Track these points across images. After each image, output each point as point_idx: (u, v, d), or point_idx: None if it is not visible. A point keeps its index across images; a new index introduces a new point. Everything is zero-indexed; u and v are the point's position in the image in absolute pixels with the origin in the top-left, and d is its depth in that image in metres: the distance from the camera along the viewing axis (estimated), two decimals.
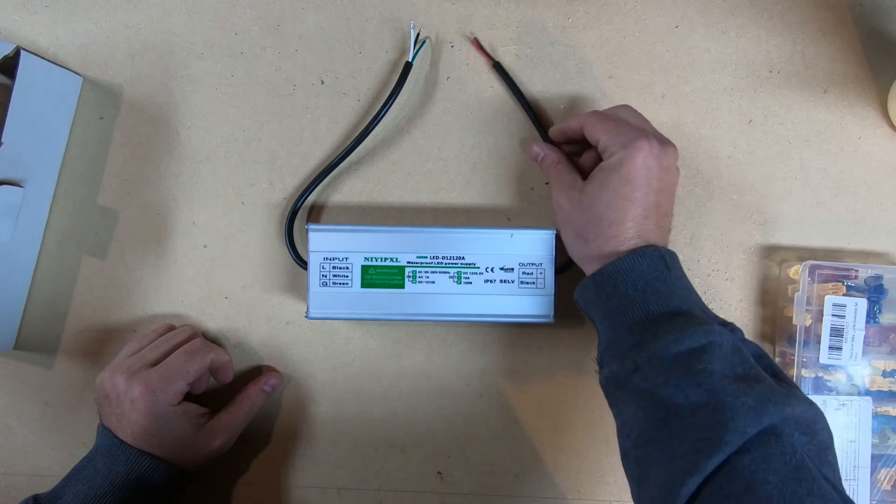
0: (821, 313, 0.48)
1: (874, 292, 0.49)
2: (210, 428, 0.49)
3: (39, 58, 0.50)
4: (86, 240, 0.54)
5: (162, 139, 0.54)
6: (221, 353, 0.51)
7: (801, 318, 0.48)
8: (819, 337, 0.48)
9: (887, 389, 0.49)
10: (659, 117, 0.52)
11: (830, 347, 0.48)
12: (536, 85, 0.53)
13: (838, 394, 0.49)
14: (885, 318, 0.49)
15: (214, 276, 0.54)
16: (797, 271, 0.50)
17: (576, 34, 0.53)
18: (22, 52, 0.48)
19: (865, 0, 0.52)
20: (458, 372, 0.53)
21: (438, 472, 0.54)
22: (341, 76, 0.53)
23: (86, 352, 0.54)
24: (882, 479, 0.49)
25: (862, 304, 0.48)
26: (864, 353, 0.48)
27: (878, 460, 0.49)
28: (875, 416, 0.49)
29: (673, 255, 0.42)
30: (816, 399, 0.48)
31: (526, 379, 0.53)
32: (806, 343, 0.48)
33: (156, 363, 0.48)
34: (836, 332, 0.48)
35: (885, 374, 0.49)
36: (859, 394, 0.49)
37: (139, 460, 0.45)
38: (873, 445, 0.48)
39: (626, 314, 0.40)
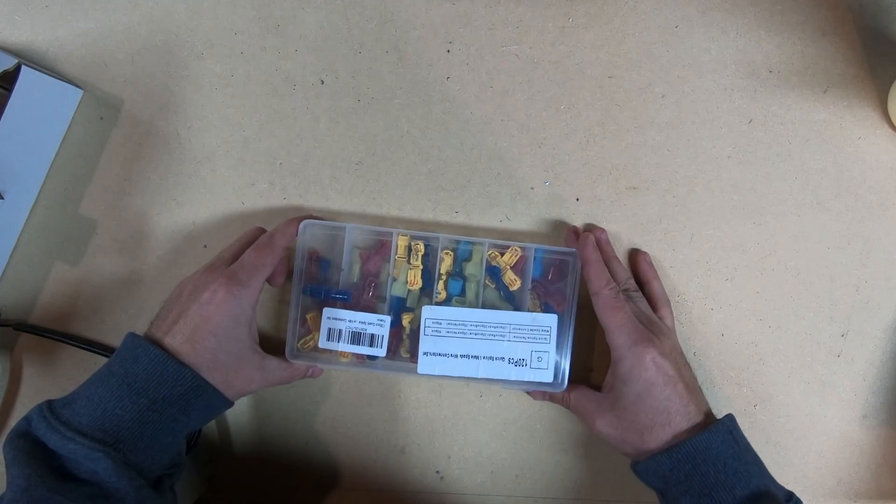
0: None
1: None
2: (261, 364, 0.47)
3: (40, 72, 0.50)
4: (86, 239, 0.54)
5: (162, 139, 0.54)
6: (283, 235, 0.49)
7: None
8: None
9: None
10: (659, 117, 0.52)
11: None
12: (536, 85, 0.53)
13: None
14: None
15: None
16: None
17: (576, 34, 0.53)
18: (23, 68, 0.48)
19: (865, 0, 0.52)
20: None
21: (438, 472, 0.54)
22: (341, 76, 0.53)
23: (86, 351, 0.54)
24: None
25: None
26: None
27: None
28: None
29: (734, 422, 0.45)
30: None
31: None
32: None
33: (231, 262, 0.46)
34: None
35: None
36: None
37: (162, 363, 0.42)
38: None
39: (712, 496, 0.42)
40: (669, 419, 0.44)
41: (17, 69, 0.48)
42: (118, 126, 0.54)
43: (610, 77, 0.53)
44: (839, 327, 0.52)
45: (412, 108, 0.53)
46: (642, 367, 0.44)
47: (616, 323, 0.45)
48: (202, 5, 0.54)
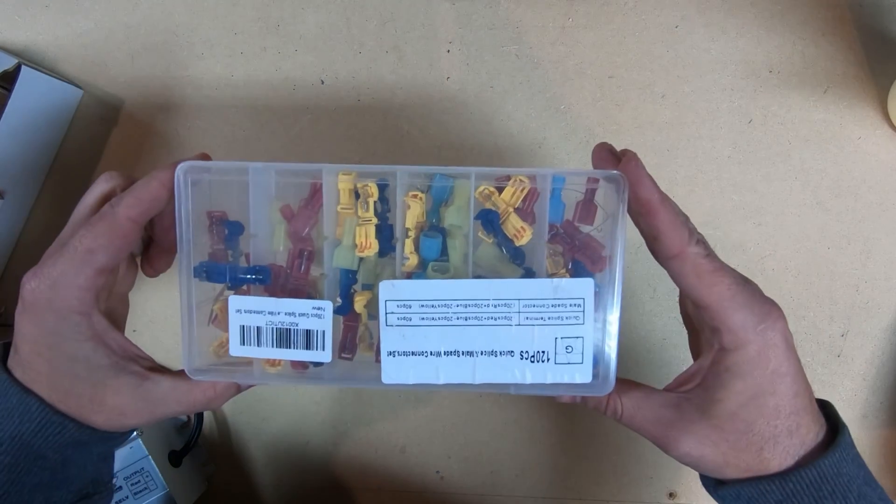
0: None
1: None
2: (139, 388, 0.34)
3: (40, 72, 0.50)
4: None
5: (162, 139, 0.54)
6: (135, 197, 0.33)
7: None
8: None
9: None
10: (659, 117, 0.52)
11: None
12: (536, 85, 0.53)
13: None
14: None
15: None
16: None
17: (576, 34, 0.53)
18: (23, 68, 0.48)
19: (865, 0, 0.52)
20: None
21: (438, 472, 0.54)
22: (341, 76, 0.53)
23: None
24: None
25: None
26: None
27: None
28: None
29: (845, 424, 0.33)
30: None
31: None
32: None
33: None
34: None
35: None
36: None
37: (5, 392, 0.32)
38: None
39: None
40: (798, 424, 0.31)
41: (17, 69, 0.48)
42: (118, 126, 0.54)
43: (610, 77, 0.53)
44: (839, 327, 0.52)
45: (412, 108, 0.53)
46: (773, 353, 0.30)
47: (724, 294, 0.30)
48: (202, 5, 0.54)
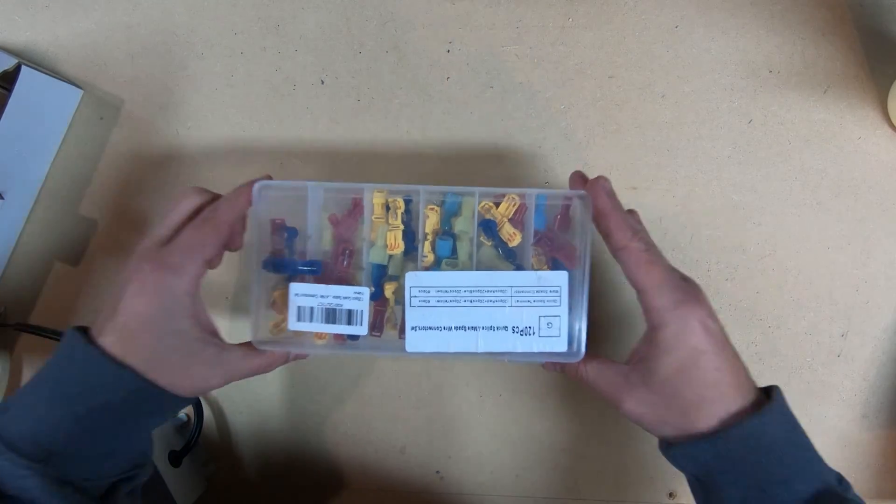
0: None
1: None
2: (219, 357, 0.41)
3: (40, 72, 0.50)
4: (86, 239, 0.54)
5: (162, 139, 0.54)
6: (230, 207, 0.41)
7: None
8: None
9: None
10: (659, 117, 0.52)
11: None
12: (536, 85, 0.53)
13: None
14: None
15: (215, 275, 0.53)
16: None
17: (576, 34, 0.53)
18: (23, 68, 0.48)
19: (865, 0, 0.52)
20: (458, 372, 0.53)
21: (438, 473, 0.54)
22: (341, 76, 0.53)
23: None
24: None
25: None
26: None
27: None
28: None
29: (784, 399, 0.38)
30: None
31: (526, 379, 0.53)
32: None
33: (167, 241, 0.40)
34: None
35: None
36: None
37: (99, 366, 0.37)
38: None
39: (765, 491, 0.36)
40: (721, 394, 0.37)
41: (17, 69, 0.48)
42: (118, 126, 0.54)
43: (610, 77, 0.53)
44: (839, 327, 0.52)
45: (412, 108, 0.53)
46: (690, 332, 0.37)
47: (653, 281, 0.38)
48: (202, 5, 0.54)
